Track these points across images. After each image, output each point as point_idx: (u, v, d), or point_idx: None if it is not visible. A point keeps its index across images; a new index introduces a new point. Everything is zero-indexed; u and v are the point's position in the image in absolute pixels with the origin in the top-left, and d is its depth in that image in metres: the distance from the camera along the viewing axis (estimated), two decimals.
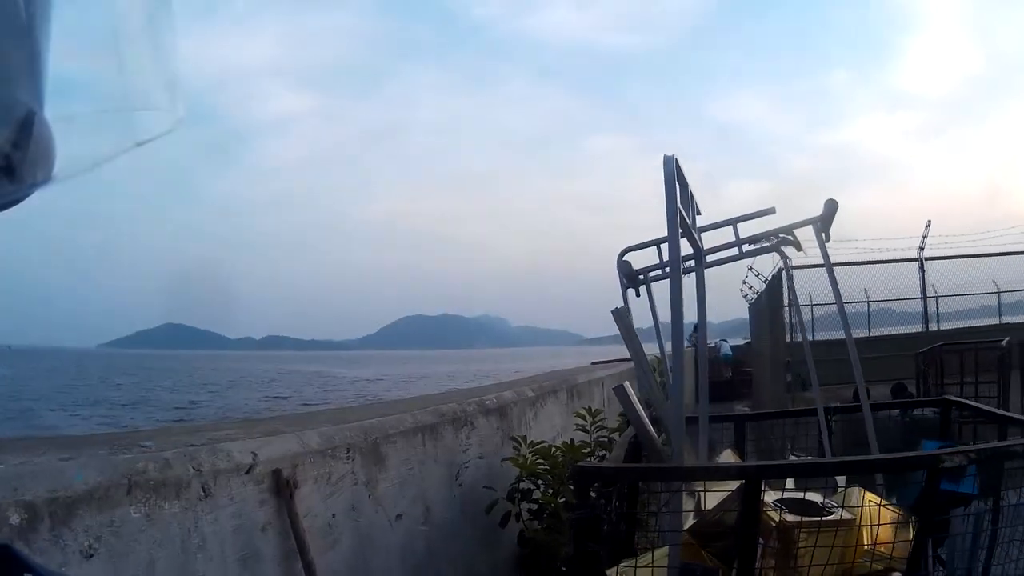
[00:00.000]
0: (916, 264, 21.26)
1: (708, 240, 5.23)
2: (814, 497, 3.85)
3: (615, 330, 4.59)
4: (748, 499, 3.28)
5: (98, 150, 0.85)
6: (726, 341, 36.97)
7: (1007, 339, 13.55)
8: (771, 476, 3.78)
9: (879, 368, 15.75)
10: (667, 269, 5.25)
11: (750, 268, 19.67)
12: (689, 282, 5.24)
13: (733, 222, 5.30)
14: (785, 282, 17.16)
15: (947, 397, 6.03)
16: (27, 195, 0.81)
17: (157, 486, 2.90)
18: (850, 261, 18.64)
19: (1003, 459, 3.92)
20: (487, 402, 6.20)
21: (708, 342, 19.29)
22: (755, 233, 5.37)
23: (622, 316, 4.65)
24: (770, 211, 5.41)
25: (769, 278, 19.60)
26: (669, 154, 3.80)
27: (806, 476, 4.04)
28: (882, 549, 3.66)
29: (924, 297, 21.73)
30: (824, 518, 3.63)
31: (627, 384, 4.42)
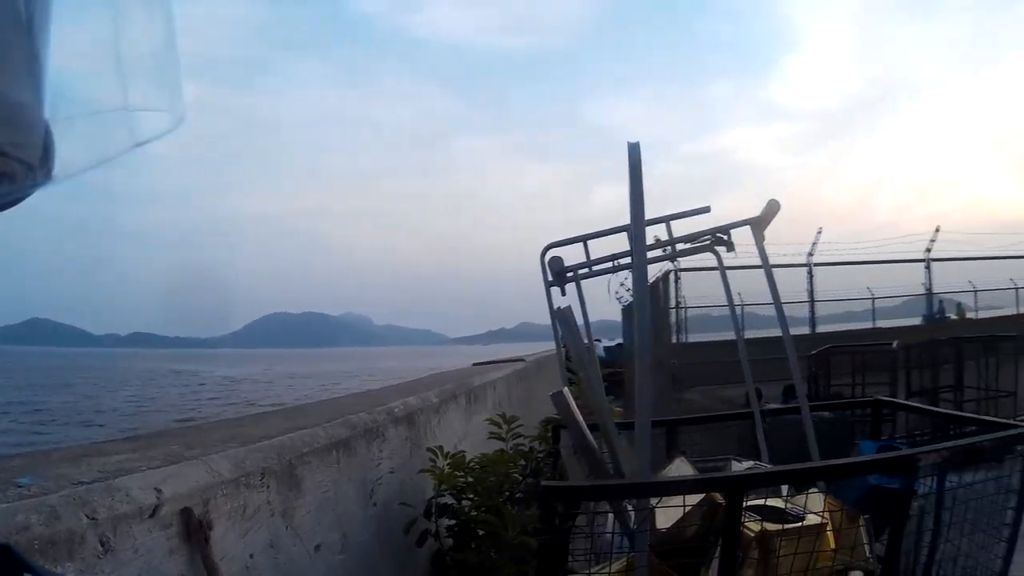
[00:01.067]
0: (804, 269, 22.01)
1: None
2: (777, 503, 3.68)
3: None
4: (731, 511, 3.05)
5: (98, 150, 0.88)
6: (600, 341, 36.72)
7: (896, 342, 14.30)
8: (755, 486, 3.63)
9: (764, 369, 16.29)
10: (594, 268, 5.21)
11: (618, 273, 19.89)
12: (595, 283, 5.31)
13: (667, 219, 5.14)
14: (671, 284, 17.36)
15: (879, 398, 5.98)
16: (27, 195, 0.83)
17: (44, 546, 2.20)
18: (740, 265, 18.97)
19: (968, 455, 3.90)
20: (395, 410, 5.70)
21: None
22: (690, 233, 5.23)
23: (567, 317, 4.30)
24: (705, 210, 5.25)
25: (651, 279, 19.88)
26: (633, 141, 3.51)
27: (790, 483, 3.93)
28: (843, 551, 3.56)
29: (812, 301, 22.54)
30: (803, 524, 3.43)
31: (567, 390, 4.02)
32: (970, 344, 15.31)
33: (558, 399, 3.91)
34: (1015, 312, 28.32)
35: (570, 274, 5.19)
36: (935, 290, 28.77)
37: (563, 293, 5.19)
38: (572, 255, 5.21)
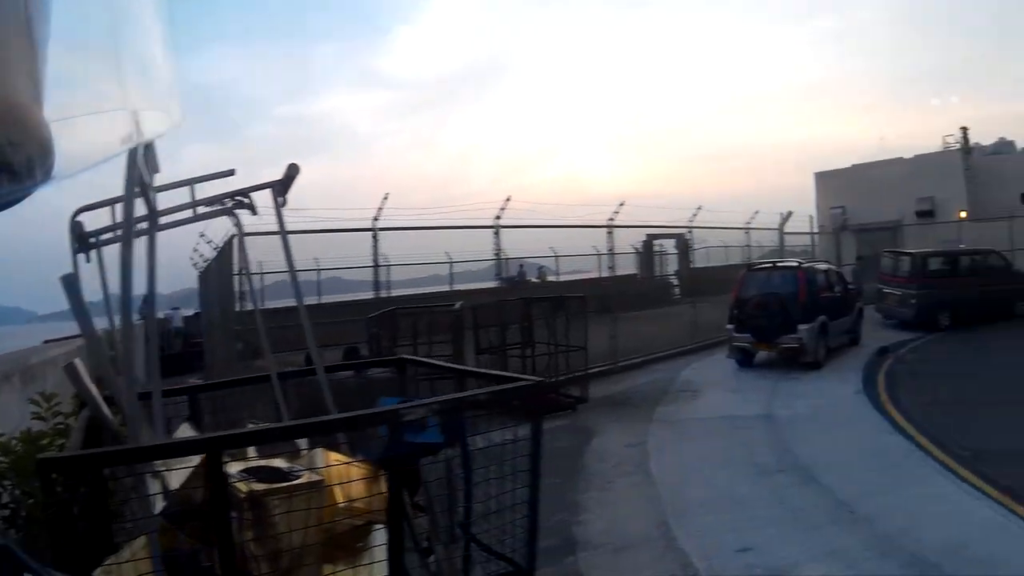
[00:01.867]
0: (370, 234, 22.66)
1: (165, 202, 4.98)
2: (280, 464, 3.94)
3: (66, 304, 4.25)
4: (212, 472, 3.28)
5: (98, 150, 0.91)
6: (178, 310, 35.76)
7: (459, 303, 15.33)
8: (231, 446, 3.82)
9: (334, 333, 17.08)
10: (120, 232, 4.93)
11: (201, 234, 19.73)
12: (142, 247, 5.12)
13: (190, 183, 5.22)
14: (236, 249, 17.37)
15: (402, 356, 6.47)
16: (27, 194, 0.85)
17: None
18: (305, 229, 19.32)
19: (463, 408, 4.48)
20: None
21: (159, 314, 19.27)
22: (213, 195, 5.34)
23: (70, 284, 4.34)
24: (229, 173, 5.43)
25: (221, 245, 19.78)
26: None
27: (267, 442, 4.13)
28: (359, 505, 3.95)
29: (376, 265, 23.34)
30: (293, 483, 3.71)
31: (78, 361, 4.13)
32: (540, 304, 16.85)
33: (70, 372, 4.00)
34: (597, 276, 30.84)
35: (93, 240, 5.09)
36: (522, 255, 30.77)
37: (87, 260, 5.07)
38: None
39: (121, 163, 3.59)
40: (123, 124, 0.94)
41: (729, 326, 21.23)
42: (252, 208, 5.30)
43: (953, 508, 9.37)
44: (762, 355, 21.19)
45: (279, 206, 5.19)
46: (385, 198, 21.56)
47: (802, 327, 19.81)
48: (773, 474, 11.31)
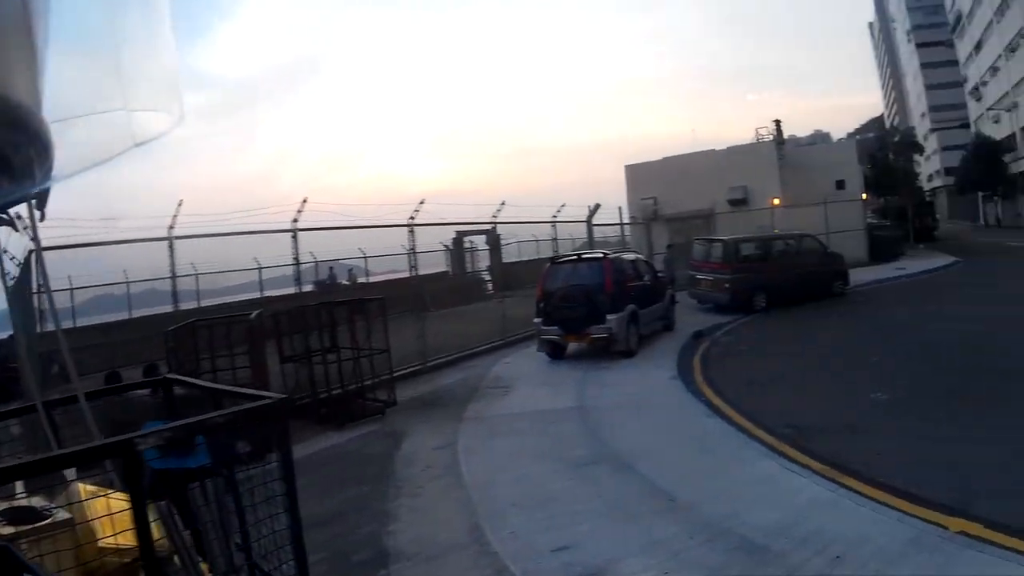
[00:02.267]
0: (167, 243, 22.26)
1: None
2: (36, 503, 3.80)
3: None
4: None
5: (98, 150, 0.98)
6: None
7: (257, 312, 15.36)
8: None
9: (141, 350, 16.80)
10: None
11: (4, 251, 18.91)
12: None
13: None
14: (35, 265, 16.77)
15: (167, 376, 6.17)
16: (27, 195, 1.01)
17: None
18: (105, 241, 18.92)
19: (198, 432, 4.16)
20: None
21: None
22: None
23: None
24: None
25: (22, 261, 19.14)
26: None
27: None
28: (110, 541, 3.70)
29: (174, 276, 22.98)
30: (40, 523, 3.57)
31: None
32: (341, 308, 16.91)
33: None
34: (408, 275, 31.28)
35: None
36: (334, 257, 30.97)
37: None
38: None
39: None
40: (124, 124, 0.99)
41: (537, 320, 21.60)
42: (13, 224, 5.12)
43: (779, 487, 9.54)
44: (573, 347, 21.62)
45: (35, 220, 5.01)
46: (179, 205, 21.02)
47: (611, 317, 20.28)
48: (588, 467, 11.26)
